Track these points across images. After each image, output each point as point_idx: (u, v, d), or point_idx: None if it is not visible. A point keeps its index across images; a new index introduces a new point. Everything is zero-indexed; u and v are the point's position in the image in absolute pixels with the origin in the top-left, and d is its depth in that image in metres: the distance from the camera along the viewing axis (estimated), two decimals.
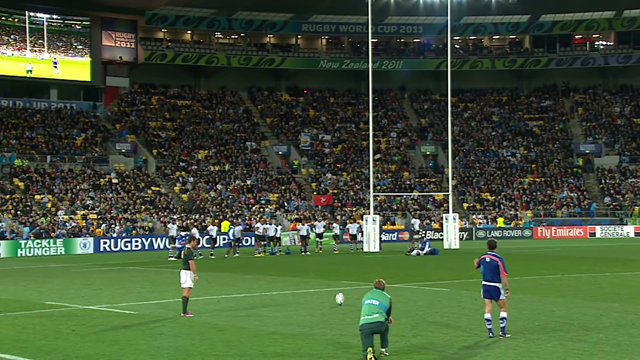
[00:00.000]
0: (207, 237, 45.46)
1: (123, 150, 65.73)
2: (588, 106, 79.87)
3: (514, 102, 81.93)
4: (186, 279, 20.18)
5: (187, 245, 21.01)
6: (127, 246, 51.25)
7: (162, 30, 75.49)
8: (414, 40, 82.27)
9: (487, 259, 16.65)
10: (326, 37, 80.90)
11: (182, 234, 45.30)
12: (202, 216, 57.29)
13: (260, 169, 68.23)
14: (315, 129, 75.74)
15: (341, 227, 51.53)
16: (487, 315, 16.45)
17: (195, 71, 77.47)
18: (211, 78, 78.27)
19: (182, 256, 20.60)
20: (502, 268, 16.46)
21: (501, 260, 16.52)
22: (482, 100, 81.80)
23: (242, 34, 77.97)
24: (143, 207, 57.55)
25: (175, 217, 54.74)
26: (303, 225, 48.34)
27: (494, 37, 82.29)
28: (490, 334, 16.41)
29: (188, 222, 53.17)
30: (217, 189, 63.21)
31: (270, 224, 46.63)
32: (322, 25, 77.87)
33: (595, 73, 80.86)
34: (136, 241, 51.80)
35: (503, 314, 16.49)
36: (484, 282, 16.69)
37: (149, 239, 52.27)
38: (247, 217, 57.42)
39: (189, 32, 76.59)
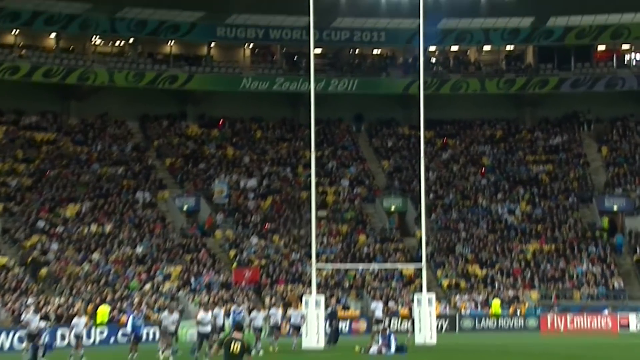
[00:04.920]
0: (73, 332, 43.28)
1: None
2: (615, 145, 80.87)
3: (512, 138, 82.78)
4: None
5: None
6: None
7: (13, 31, 74.84)
8: (374, 52, 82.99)
9: None
10: (251, 45, 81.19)
11: (42, 324, 43.82)
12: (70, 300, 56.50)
13: (156, 230, 67.66)
14: (236, 174, 75.57)
15: (269, 314, 50.51)
16: None
17: (62, 92, 77.00)
18: (86, 102, 77.90)
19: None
20: None
21: None
22: (467, 136, 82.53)
23: (130, 40, 77.79)
24: None
25: (30, 300, 53.63)
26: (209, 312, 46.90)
27: (485, 48, 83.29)
28: None
29: (48, 308, 52.08)
30: (94, 259, 62.37)
31: (172, 312, 45.54)
32: (244, 29, 77.94)
33: (625, 99, 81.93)
34: None
35: None
36: None
37: None
38: (134, 302, 56.68)
39: (53, 35, 76.12)
